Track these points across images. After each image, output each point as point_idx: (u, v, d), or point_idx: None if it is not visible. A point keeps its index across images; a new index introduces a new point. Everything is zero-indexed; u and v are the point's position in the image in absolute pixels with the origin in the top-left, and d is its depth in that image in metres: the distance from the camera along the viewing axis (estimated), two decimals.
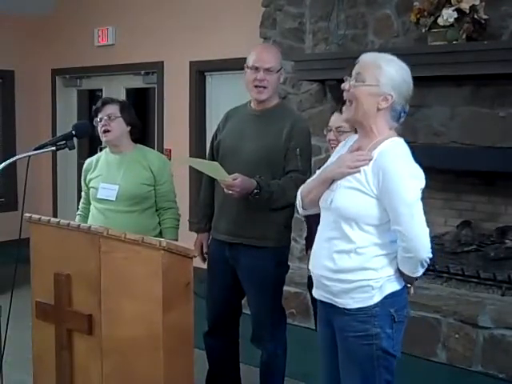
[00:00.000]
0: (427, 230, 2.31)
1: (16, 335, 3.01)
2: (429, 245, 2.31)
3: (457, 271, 4.50)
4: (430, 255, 2.32)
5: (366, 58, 2.39)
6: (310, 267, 2.51)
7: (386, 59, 2.36)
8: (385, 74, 2.31)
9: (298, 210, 2.65)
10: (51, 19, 7.51)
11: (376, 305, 2.32)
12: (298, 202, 2.56)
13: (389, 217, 2.30)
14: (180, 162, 5.64)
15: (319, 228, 2.49)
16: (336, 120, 3.04)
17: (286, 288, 4.69)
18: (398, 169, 2.28)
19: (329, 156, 2.81)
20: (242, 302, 3.44)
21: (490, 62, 4.03)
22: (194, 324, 2.70)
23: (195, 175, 6.37)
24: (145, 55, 6.67)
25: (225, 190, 3.03)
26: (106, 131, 3.49)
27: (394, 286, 2.35)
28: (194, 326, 2.70)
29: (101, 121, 3.50)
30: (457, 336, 4.18)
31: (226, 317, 3.40)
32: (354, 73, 2.38)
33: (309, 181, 2.56)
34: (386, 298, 2.33)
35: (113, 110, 3.52)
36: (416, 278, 2.42)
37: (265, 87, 3.14)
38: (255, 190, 3.00)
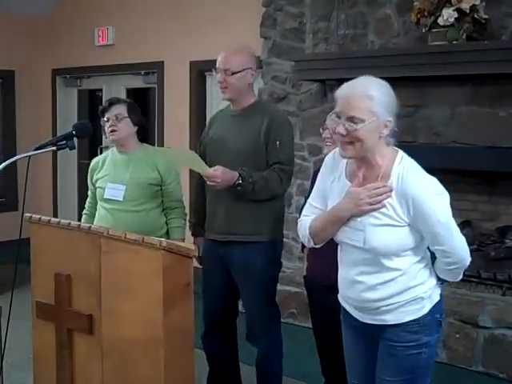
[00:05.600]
0: (464, 238, 2.30)
1: (16, 335, 3.01)
2: (468, 250, 2.31)
3: None
4: (470, 258, 2.32)
5: (350, 91, 2.22)
6: (340, 298, 2.45)
7: (370, 85, 2.21)
8: (378, 103, 2.18)
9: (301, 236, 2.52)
10: (51, 19, 7.51)
11: (427, 314, 2.31)
12: (305, 238, 2.46)
13: (422, 236, 2.26)
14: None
15: (345, 262, 2.39)
16: (333, 121, 3.02)
17: (286, 288, 4.71)
18: (424, 192, 2.20)
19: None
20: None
21: (489, 62, 4.02)
22: (194, 324, 2.70)
23: (195, 175, 6.37)
24: (145, 55, 6.67)
25: (207, 181, 3.09)
26: (113, 131, 3.49)
27: (438, 293, 2.36)
28: (194, 326, 2.70)
29: (108, 121, 3.50)
30: (457, 336, 4.17)
31: (221, 316, 3.40)
32: (342, 112, 2.22)
33: (316, 218, 2.41)
34: (434, 305, 2.33)
35: (120, 110, 3.51)
36: None
37: (225, 87, 3.23)
38: (237, 181, 3.04)
